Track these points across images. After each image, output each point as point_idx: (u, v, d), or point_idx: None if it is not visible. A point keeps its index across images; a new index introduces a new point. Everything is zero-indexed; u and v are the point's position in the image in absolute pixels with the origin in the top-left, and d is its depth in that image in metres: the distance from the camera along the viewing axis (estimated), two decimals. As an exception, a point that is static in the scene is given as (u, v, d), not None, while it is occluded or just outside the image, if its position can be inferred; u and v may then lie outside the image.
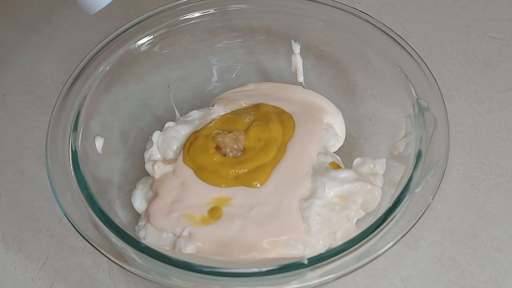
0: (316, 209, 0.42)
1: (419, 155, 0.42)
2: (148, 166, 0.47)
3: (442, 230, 0.48)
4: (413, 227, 0.39)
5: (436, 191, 0.40)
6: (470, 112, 0.55)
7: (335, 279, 0.37)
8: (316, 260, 0.37)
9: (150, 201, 0.45)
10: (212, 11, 0.51)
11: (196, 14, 0.51)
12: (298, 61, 0.52)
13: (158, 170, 0.46)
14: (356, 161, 0.47)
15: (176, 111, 0.53)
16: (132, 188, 0.47)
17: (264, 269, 0.36)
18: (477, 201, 0.50)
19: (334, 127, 0.50)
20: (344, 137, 0.50)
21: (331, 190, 0.44)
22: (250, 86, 0.53)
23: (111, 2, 0.41)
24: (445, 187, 0.50)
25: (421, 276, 0.46)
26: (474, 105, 0.56)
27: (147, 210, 0.44)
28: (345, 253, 0.37)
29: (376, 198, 0.44)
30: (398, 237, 0.38)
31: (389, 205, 0.40)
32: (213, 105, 0.51)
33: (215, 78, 0.54)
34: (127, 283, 0.47)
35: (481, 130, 0.54)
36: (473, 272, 0.46)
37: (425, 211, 0.39)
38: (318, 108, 0.50)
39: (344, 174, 0.44)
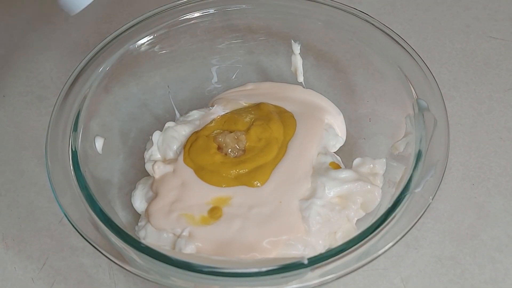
0: (316, 209, 0.42)
1: (419, 155, 0.41)
2: (148, 166, 0.47)
3: (442, 230, 0.48)
4: (413, 227, 0.39)
5: (436, 191, 0.40)
6: (470, 112, 0.55)
7: (335, 279, 0.37)
8: (316, 260, 0.37)
9: (150, 201, 0.45)
10: (212, 11, 0.51)
11: (196, 14, 0.51)
12: (298, 61, 0.52)
13: (158, 170, 0.46)
14: (356, 161, 0.47)
15: (176, 111, 0.53)
16: (132, 188, 0.47)
17: (264, 269, 0.36)
18: (477, 201, 0.50)
19: (335, 127, 0.50)
20: (344, 138, 0.50)
21: (331, 190, 0.44)
22: (249, 86, 0.53)
23: (92, 2, 0.41)
24: (445, 187, 0.50)
25: (421, 276, 0.46)
26: (474, 105, 0.56)
27: (147, 210, 0.44)
28: (345, 253, 0.37)
29: (376, 198, 0.44)
30: (398, 237, 0.38)
31: (389, 205, 0.40)
32: (213, 105, 0.51)
33: (215, 78, 0.54)
34: (127, 283, 0.47)
35: (481, 130, 0.54)
36: (473, 272, 0.46)
37: (425, 211, 0.39)
38: (319, 107, 0.50)
39: (344, 174, 0.44)
